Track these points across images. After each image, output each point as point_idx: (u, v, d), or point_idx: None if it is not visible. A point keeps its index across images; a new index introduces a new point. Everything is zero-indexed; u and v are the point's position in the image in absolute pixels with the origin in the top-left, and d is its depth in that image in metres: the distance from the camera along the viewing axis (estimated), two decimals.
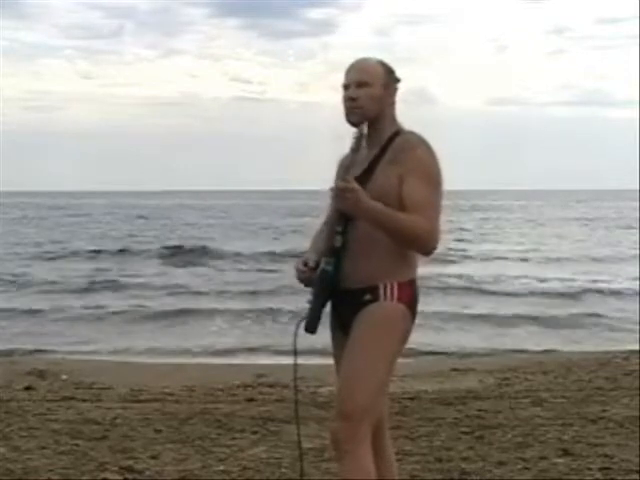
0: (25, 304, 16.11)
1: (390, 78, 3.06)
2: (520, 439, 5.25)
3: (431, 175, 2.96)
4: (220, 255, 27.22)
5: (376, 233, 2.91)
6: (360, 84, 3.01)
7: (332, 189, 2.95)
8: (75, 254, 27.82)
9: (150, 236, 36.14)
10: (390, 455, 3.21)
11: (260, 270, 22.84)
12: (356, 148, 3.02)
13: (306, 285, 3.06)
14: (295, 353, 3.12)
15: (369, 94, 3.00)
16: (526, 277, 20.69)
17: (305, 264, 3.06)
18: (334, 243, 2.99)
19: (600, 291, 18.10)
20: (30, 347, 11.58)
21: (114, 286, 19.14)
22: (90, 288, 18.83)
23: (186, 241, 31.72)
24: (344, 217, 2.97)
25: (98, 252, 28.03)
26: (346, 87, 3.04)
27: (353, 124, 3.03)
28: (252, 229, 42.16)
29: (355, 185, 2.87)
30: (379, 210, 2.86)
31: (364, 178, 2.96)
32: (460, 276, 20.47)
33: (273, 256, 26.15)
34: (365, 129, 3.00)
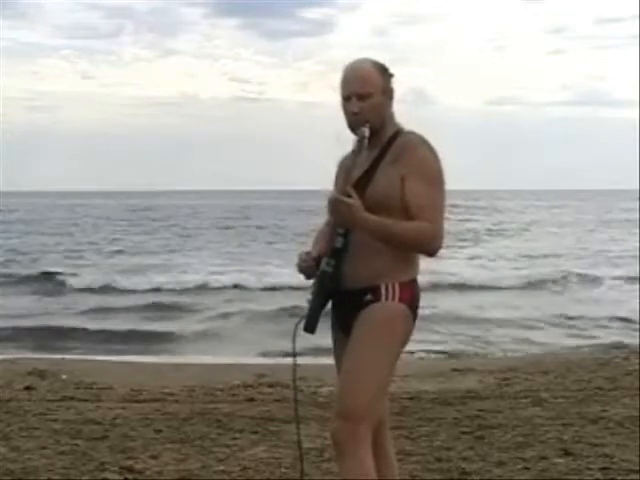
0: None
1: (387, 80, 3.02)
2: (520, 439, 5.25)
3: (433, 175, 2.94)
4: None
5: None
6: (361, 96, 2.96)
7: (328, 200, 2.91)
8: None
9: None
10: (391, 455, 3.20)
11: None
12: (358, 150, 2.99)
13: (307, 277, 3.05)
14: (294, 353, 3.12)
15: (371, 105, 2.96)
16: None
17: (307, 254, 3.06)
18: (335, 244, 2.97)
19: None
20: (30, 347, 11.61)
21: None
22: None
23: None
24: None
25: None
26: (346, 98, 3.00)
27: (357, 133, 3.00)
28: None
29: (350, 200, 2.84)
30: (376, 223, 2.84)
31: (365, 180, 2.95)
32: None
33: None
34: (367, 132, 2.96)
